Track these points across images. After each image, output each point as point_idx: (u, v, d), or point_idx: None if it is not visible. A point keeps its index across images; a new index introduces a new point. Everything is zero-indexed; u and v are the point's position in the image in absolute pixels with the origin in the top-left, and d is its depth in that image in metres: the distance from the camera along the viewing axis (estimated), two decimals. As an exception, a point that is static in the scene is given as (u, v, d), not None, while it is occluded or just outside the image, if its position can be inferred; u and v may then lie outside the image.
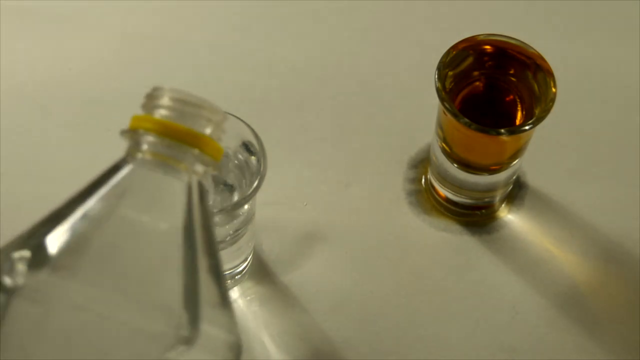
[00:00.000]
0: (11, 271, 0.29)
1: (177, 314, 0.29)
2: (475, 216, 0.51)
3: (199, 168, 0.31)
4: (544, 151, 0.53)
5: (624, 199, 0.52)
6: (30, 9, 0.59)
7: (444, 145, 0.47)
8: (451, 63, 0.45)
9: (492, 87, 0.46)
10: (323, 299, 0.49)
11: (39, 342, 0.29)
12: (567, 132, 0.54)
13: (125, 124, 0.32)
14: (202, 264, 0.31)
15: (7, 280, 0.29)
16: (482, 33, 0.45)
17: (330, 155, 0.53)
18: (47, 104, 0.55)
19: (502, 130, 0.42)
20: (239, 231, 0.44)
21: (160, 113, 0.31)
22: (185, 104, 0.31)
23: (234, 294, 0.49)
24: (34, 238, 0.30)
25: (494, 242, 0.51)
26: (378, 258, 0.50)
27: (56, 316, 0.29)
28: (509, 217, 0.51)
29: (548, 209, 0.52)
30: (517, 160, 0.47)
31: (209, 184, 0.43)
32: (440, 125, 0.46)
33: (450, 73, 0.45)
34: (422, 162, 0.53)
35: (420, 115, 0.54)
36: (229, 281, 0.48)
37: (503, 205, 0.52)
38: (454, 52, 0.45)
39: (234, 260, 0.47)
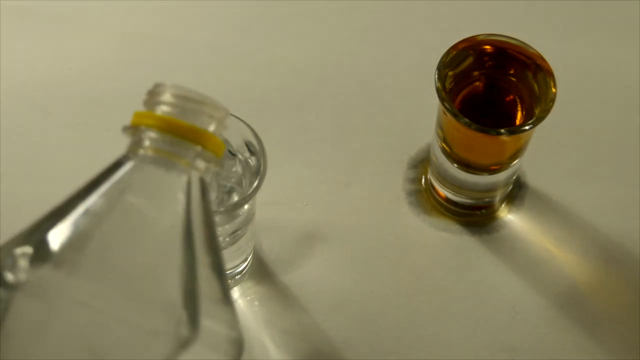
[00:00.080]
0: (13, 267, 0.29)
1: (177, 311, 0.29)
2: (475, 216, 0.51)
3: (201, 164, 0.31)
4: (544, 151, 0.53)
5: (624, 199, 0.52)
6: (30, 9, 0.59)
7: (444, 145, 0.47)
8: (451, 63, 0.45)
9: (492, 87, 0.46)
10: (323, 299, 0.49)
11: (40, 338, 0.29)
12: (567, 132, 0.54)
13: (126, 124, 0.32)
14: (203, 260, 0.31)
15: (9, 276, 0.29)
16: (482, 33, 0.45)
17: (330, 155, 0.53)
18: (47, 104, 0.55)
19: (502, 130, 0.42)
20: (239, 231, 0.44)
21: (162, 109, 0.31)
22: (187, 101, 0.31)
23: (234, 294, 0.49)
24: (36, 234, 0.30)
25: (494, 242, 0.51)
26: (378, 258, 0.50)
27: (58, 312, 0.29)
28: (509, 217, 0.51)
29: (548, 209, 0.52)
30: (517, 160, 0.47)
31: (212, 185, 0.43)
32: (440, 125, 0.46)
33: (450, 73, 0.45)
34: (422, 162, 0.53)
35: (420, 115, 0.54)
36: (229, 281, 0.48)
37: (503, 205, 0.52)
38: (454, 52, 0.45)
39: (234, 260, 0.47)
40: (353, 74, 0.56)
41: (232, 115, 0.40)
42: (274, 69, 0.56)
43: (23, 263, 0.29)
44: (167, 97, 0.31)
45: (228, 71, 0.56)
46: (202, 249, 0.31)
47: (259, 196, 0.42)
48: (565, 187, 0.52)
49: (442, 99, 0.43)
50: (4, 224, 0.49)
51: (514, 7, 0.59)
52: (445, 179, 0.49)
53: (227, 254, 0.45)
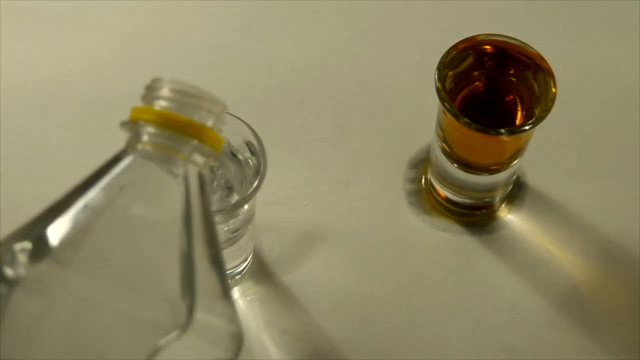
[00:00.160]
0: (12, 262, 0.29)
1: (176, 304, 0.29)
2: (475, 216, 0.51)
3: (199, 159, 0.31)
4: (544, 151, 0.53)
5: (624, 199, 0.52)
6: (30, 9, 0.59)
7: (444, 145, 0.47)
8: (451, 63, 0.45)
9: (492, 87, 0.46)
10: (323, 299, 0.49)
11: (40, 332, 0.29)
12: (567, 132, 0.54)
13: (124, 119, 0.32)
14: (202, 254, 0.31)
15: (9, 272, 0.29)
16: (482, 33, 0.45)
17: (330, 155, 0.53)
18: (47, 104, 0.55)
19: (502, 130, 0.42)
20: (239, 231, 0.44)
21: (160, 104, 0.31)
22: (185, 95, 0.31)
23: (234, 294, 0.49)
24: (35, 229, 0.30)
25: (494, 242, 0.51)
26: (378, 258, 0.50)
27: (56, 307, 0.29)
28: (509, 217, 0.51)
29: (548, 209, 0.52)
30: (517, 160, 0.47)
31: (211, 187, 0.43)
32: (440, 125, 0.46)
33: (450, 73, 0.45)
34: (422, 162, 0.53)
35: (420, 115, 0.54)
36: (229, 281, 0.48)
37: (503, 205, 0.52)
38: (454, 52, 0.45)
39: (234, 260, 0.47)
40: (353, 74, 0.56)
41: (232, 115, 0.40)
42: (274, 69, 0.56)
43: (22, 258, 0.29)
44: (165, 91, 0.31)
45: (228, 71, 0.56)
46: (201, 243, 0.31)
47: (259, 196, 0.42)
48: (565, 187, 0.52)
49: (442, 99, 0.43)
50: (4, 223, 0.48)
51: (514, 7, 0.59)
52: (445, 179, 0.49)
53: (227, 254, 0.45)
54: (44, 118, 0.54)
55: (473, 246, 0.50)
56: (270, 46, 0.57)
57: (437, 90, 0.43)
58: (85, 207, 0.30)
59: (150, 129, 0.31)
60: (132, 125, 0.31)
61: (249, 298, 0.49)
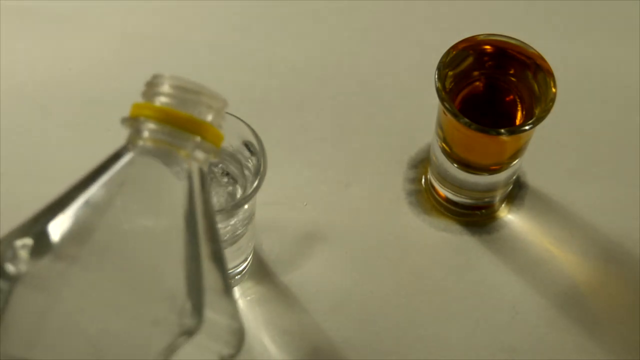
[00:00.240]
0: (14, 259, 0.29)
1: (181, 301, 0.29)
2: (475, 216, 0.51)
3: (200, 155, 0.31)
4: (544, 151, 0.53)
5: (624, 199, 0.52)
6: (30, 9, 0.59)
7: (444, 145, 0.47)
8: (451, 63, 0.45)
9: (492, 87, 0.46)
10: (323, 299, 0.49)
11: (41, 329, 0.29)
12: (567, 132, 0.54)
13: (124, 115, 0.32)
14: (205, 250, 0.31)
15: (10, 268, 0.29)
16: (482, 33, 0.45)
17: (330, 155, 0.53)
18: (47, 104, 0.55)
19: (502, 130, 0.42)
20: (239, 231, 0.44)
21: (161, 100, 0.31)
22: (185, 91, 0.31)
23: (234, 294, 0.49)
24: (36, 226, 0.30)
25: (494, 242, 0.51)
26: (378, 258, 0.50)
27: (58, 303, 0.29)
28: (509, 217, 0.51)
29: (548, 209, 0.52)
30: (517, 160, 0.47)
31: (213, 187, 0.43)
32: (440, 125, 0.46)
33: (450, 73, 0.45)
34: (422, 162, 0.53)
35: (420, 115, 0.54)
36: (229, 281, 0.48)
37: (503, 205, 0.52)
38: (454, 52, 0.45)
39: (234, 260, 0.47)
40: (353, 74, 0.56)
41: (232, 115, 0.40)
42: (274, 69, 0.56)
43: (23, 254, 0.29)
44: (165, 88, 0.31)
45: (228, 71, 0.56)
46: (203, 239, 0.31)
47: (259, 196, 0.42)
48: (565, 187, 0.52)
49: (442, 99, 0.43)
50: (4, 223, 0.48)
51: (514, 7, 0.59)
52: (445, 179, 0.49)
53: (227, 254, 0.45)
54: (44, 118, 0.54)
55: (473, 246, 0.50)
56: (270, 46, 0.57)
57: (437, 90, 0.43)
58: (86, 203, 0.30)
59: (151, 125, 0.31)
60: (133, 121, 0.31)
61: (249, 298, 0.49)
